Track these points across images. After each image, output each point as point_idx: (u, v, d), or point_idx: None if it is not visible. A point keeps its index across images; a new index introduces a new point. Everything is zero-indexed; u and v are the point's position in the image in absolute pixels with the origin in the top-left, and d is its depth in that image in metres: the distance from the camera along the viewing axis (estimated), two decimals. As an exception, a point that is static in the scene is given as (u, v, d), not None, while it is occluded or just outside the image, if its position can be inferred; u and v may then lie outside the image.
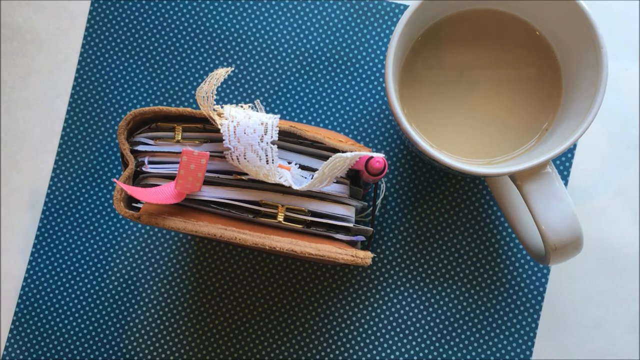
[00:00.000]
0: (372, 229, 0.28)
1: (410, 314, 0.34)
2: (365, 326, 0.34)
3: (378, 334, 0.34)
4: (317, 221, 0.26)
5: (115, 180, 0.24)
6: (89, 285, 0.35)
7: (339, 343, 0.34)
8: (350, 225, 0.27)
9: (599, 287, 0.34)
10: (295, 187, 0.25)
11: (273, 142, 0.25)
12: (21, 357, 0.35)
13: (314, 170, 0.26)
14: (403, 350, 0.34)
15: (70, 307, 0.35)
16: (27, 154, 0.36)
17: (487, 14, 0.31)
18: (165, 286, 0.35)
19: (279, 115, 0.25)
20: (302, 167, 0.26)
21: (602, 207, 0.34)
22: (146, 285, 0.35)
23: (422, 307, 0.34)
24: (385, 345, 0.34)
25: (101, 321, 0.35)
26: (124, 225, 0.35)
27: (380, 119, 0.35)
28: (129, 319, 0.35)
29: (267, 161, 0.24)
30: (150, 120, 0.27)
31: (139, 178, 0.26)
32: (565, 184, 0.34)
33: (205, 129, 0.26)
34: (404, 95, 0.31)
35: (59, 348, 0.35)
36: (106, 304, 0.35)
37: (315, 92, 0.35)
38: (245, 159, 0.24)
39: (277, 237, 0.25)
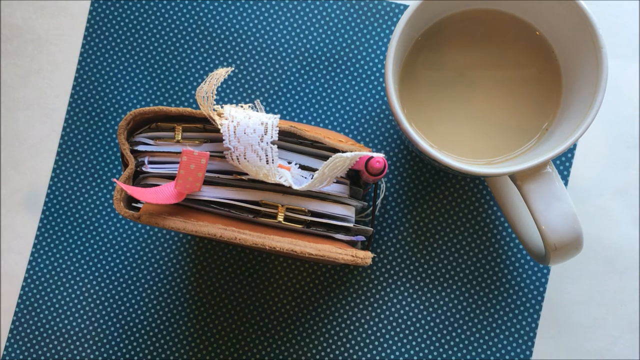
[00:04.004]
0: (372, 229, 0.28)
1: (410, 314, 0.34)
2: (365, 326, 0.34)
3: (378, 334, 0.34)
4: (317, 221, 0.26)
5: (115, 180, 0.24)
6: (89, 285, 0.35)
7: (339, 343, 0.34)
8: (350, 225, 0.27)
9: (599, 287, 0.34)
10: (295, 187, 0.25)
11: (273, 142, 0.25)
12: (21, 357, 0.35)
13: (314, 170, 0.26)
14: (403, 350, 0.34)
15: (70, 307, 0.35)
16: (27, 154, 0.36)
17: (487, 14, 0.31)
18: (165, 286, 0.35)
19: (279, 115, 0.25)
20: (302, 167, 0.26)
21: (602, 207, 0.34)
22: (146, 285, 0.35)
23: (422, 307, 0.34)
24: (385, 345, 0.34)
25: (101, 321, 0.35)
26: (124, 225, 0.35)
27: (380, 119, 0.35)
28: (129, 319, 0.35)
29: (267, 161, 0.24)
30: (150, 120, 0.27)
31: (139, 178, 0.26)
32: (565, 184, 0.34)
33: (205, 129, 0.26)
34: (404, 95, 0.31)
35: (59, 348, 0.35)
36: (106, 304, 0.35)
37: (315, 92, 0.35)
38: (245, 159, 0.24)
39: (277, 237, 0.25)
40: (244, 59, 0.35)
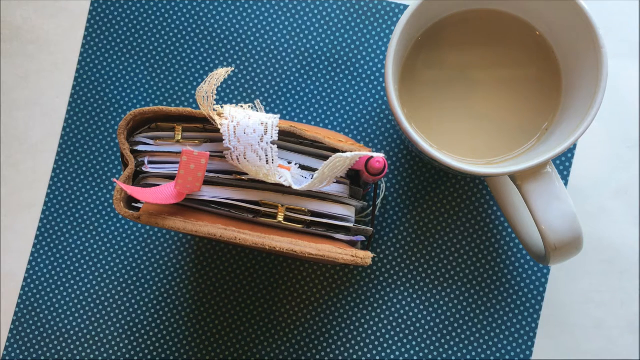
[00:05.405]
0: (372, 229, 0.28)
1: (410, 314, 0.34)
2: (365, 326, 0.34)
3: (378, 334, 0.34)
4: (317, 221, 0.26)
5: (115, 180, 0.24)
6: (89, 285, 0.35)
7: (339, 343, 0.34)
8: (350, 225, 0.27)
9: (599, 287, 0.34)
10: (295, 187, 0.25)
11: (273, 142, 0.25)
12: (21, 357, 0.35)
13: (314, 170, 0.26)
14: (403, 350, 0.34)
15: (70, 307, 0.35)
16: (27, 154, 0.36)
17: (487, 14, 0.31)
18: (165, 286, 0.35)
19: (279, 115, 0.25)
20: (302, 167, 0.26)
21: (602, 207, 0.34)
22: (146, 285, 0.35)
23: (422, 307, 0.34)
24: (385, 345, 0.34)
25: (101, 321, 0.35)
26: (124, 225, 0.35)
27: (380, 119, 0.35)
28: (128, 319, 0.35)
29: (267, 161, 0.24)
30: (150, 120, 0.27)
31: (139, 178, 0.26)
32: (565, 184, 0.34)
33: (205, 129, 0.26)
34: (404, 95, 0.31)
35: (59, 348, 0.35)
36: (106, 304, 0.35)
37: (315, 92, 0.35)
38: (245, 159, 0.24)
39: (277, 237, 0.25)
40: (244, 59, 0.35)
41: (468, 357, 0.34)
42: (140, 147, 0.26)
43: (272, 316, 0.34)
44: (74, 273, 0.35)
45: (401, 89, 0.31)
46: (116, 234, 0.35)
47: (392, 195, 0.34)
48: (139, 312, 0.35)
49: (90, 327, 0.35)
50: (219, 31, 0.36)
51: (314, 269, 0.34)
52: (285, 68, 0.35)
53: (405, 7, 0.35)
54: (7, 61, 0.36)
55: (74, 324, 0.35)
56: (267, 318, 0.34)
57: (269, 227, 0.26)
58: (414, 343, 0.34)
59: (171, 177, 0.26)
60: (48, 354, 0.35)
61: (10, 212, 0.36)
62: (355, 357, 0.34)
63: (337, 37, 0.35)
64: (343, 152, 0.26)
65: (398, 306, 0.34)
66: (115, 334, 0.35)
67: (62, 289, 0.35)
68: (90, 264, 0.35)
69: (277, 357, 0.34)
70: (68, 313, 0.35)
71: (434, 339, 0.34)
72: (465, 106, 0.31)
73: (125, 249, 0.35)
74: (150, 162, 0.26)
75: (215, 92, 0.25)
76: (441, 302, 0.34)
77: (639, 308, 0.34)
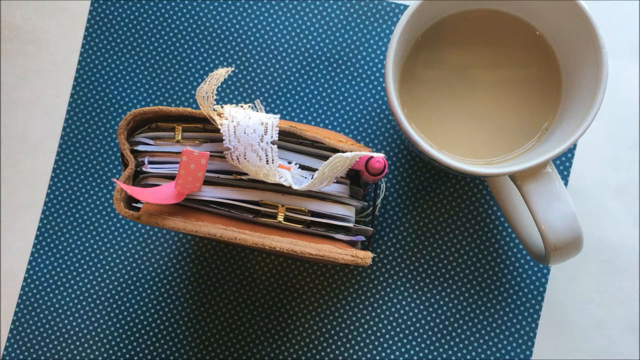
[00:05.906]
0: (372, 229, 0.28)
1: (410, 314, 0.34)
2: (365, 326, 0.34)
3: (378, 334, 0.34)
4: (317, 221, 0.26)
5: (115, 180, 0.24)
6: (89, 285, 0.35)
7: (339, 343, 0.34)
8: (350, 225, 0.27)
9: (599, 287, 0.34)
10: (295, 187, 0.25)
11: (273, 142, 0.25)
12: (21, 357, 0.35)
13: (314, 170, 0.26)
14: (403, 350, 0.34)
15: (70, 307, 0.35)
16: (27, 154, 0.36)
17: (487, 14, 0.31)
18: (165, 286, 0.35)
19: (279, 115, 0.25)
20: (302, 167, 0.26)
21: (602, 207, 0.34)
22: (146, 285, 0.35)
23: (422, 307, 0.34)
24: (385, 345, 0.34)
25: (101, 321, 0.35)
26: (124, 225, 0.35)
27: (380, 119, 0.35)
28: (128, 319, 0.35)
29: (267, 161, 0.24)
30: (150, 120, 0.27)
31: (139, 178, 0.26)
32: (565, 184, 0.34)
33: (205, 129, 0.26)
34: (404, 95, 0.31)
35: (59, 348, 0.35)
36: (106, 304, 0.35)
37: (315, 92, 0.35)
38: (245, 159, 0.24)
39: (277, 237, 0.25)
40: (244, 59, 0.35)
41: (468, 357, 0.34)
42: (140, 147, 0.26)
43: (272, 316, 0.34)
44: (74, 273, 0.35)
45: (401, 89, 0.31)
46: (116, 234, 0.35)
47: (392, 195, 0.34)
48: (139, 312, 0.35)
49: (90, 327, 0.35)
50: (219, 31, 0.36)
51: (314, 269, 0.34)
52: (285, 68, 0.35)
53: (405, 7, 0.35)
54: (7, 61, 0.36)
55: (74, 324, 0.35)
56: (267, 318, 0.34)
57: (269, 227, 0.26)
58: (414, 343, 0.34)
59: (171, 177, 0.26)
60: (48, 354, 0.35)
61: (10, 212, 0.36)
62: (355, 357, 0.34)
63: (337, 37, 0.35)
64: (343, 152, 0.26)
65: (398, 306, 0.34)
66: (115, 334, 0.35)
67: (62, 289, 0.35)
68: (90, 264, 0.35)
69: (277, 357, 0.34)
70: (68, 313, 0.35)
71: (434, 339, 0.34)
72: (465, 106, 0.31)
73: (125, 249, 0.35)
74: (150, 162, 0.26)
75: (215, 92, 0.25)
76: (441, 302, 0.34)
77: (639, 308, 0.34)
